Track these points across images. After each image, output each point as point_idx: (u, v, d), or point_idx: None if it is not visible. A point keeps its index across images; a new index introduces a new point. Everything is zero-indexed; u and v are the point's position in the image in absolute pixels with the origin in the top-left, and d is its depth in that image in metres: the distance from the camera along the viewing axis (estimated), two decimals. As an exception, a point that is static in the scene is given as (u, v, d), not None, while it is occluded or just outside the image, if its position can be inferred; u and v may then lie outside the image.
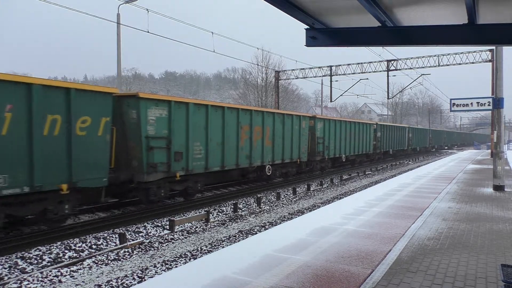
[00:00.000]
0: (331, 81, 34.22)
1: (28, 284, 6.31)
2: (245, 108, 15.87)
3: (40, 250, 7.90)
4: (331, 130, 22.91)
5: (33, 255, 7.62)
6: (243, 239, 8.47)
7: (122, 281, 6.34)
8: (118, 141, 10.68)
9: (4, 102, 7.83)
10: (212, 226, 10.34)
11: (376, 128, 31.22)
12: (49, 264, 7.32)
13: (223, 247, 8.21)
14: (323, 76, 35.17)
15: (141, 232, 9.66)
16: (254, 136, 15.67)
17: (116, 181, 10.57)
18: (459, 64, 30.19)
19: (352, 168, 27.27)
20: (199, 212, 11.69)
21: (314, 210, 11.32)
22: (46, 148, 8.54)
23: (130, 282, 6.29)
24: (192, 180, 13.01)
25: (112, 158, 10.41)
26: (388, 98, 37.86)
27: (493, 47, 21.99)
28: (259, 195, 14.54)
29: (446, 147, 67.64)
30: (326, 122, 22.51)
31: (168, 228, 9.93)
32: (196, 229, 10.04)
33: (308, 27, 4.92)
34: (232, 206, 12.47)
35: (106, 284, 6.25)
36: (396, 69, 31.80)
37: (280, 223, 10.30)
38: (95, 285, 6.23)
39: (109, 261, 7.48)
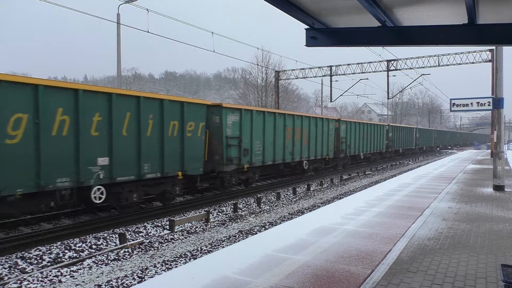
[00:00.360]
0: (331, 81, 34.24)
1: (28, 284, 6.31)
2: (289, 113, 19.28)
3: (40, 250, 7.90)
4: (352, 131, 26.00)
5: (33, 255, 7.62)
6: (243, 239, 8.47)
7: (122, 281, 6.34)
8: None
9: (149, 113, 11.07)
10: (212, 226, 10.34)
11: (388, 129, 34.44)
12: (49, 264, 7.32)
13: (223, 247, 8.21)
14: (323, 76, 35.19)
15: (141, 232, 9.66)
16: (295, 136, 18.89)
17: (207, 170, 13.89)
18: (459, 64, 30.19)
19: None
20: (199, 212, 11.70)
21: (314, 210, 11.32)
22: (170, 145, 11.83)
23: (130, 282, 6.29)
24: (253, 172, 16.56)
25: (206, 153, 13.50)
26: (388, 98, 37.87)
27: (493, 47, 22.00)
28: (259, 195, 14.54)
29: (449, 147, 69.81)
30: (348, 124, 25.64)
31: (168, 228, 9.93)
32: (196, 229, 10.04)
33: (308, 27, 4.92)
34: (232, 206, 12.47)
35: (106, 284, 6.25)
36: (396, 69, 31.82)
37: (280, 223, 10.30)
38: (95, 285, 6.23)
39: (109, 261, 7.48)
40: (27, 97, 8.37)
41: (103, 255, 7.76)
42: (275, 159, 17.30)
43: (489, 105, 14.44)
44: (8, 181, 8.03)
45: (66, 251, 7.99)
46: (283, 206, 13.32)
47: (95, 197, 9.80)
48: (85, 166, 9.43)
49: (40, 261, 7.41)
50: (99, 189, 9.87)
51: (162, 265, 7.12)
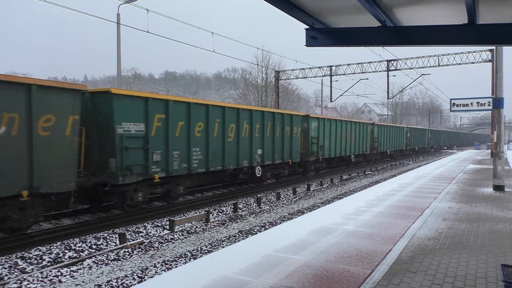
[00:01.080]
0: (331, 81, 34.23)
1: (28, 284, 6.31)
2: (346, 120, 26.38)
3: (40, 250, 7.90)
4: (382, 132, 32.95)
5: (33, 255, 7.62)
6: (243, 239, 8.47)
7: (122, 281, 6.34)
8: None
9: (268, 121, 16.65)
10: (212, 226, 10.34)
11: (406, 130, 40.08)
12: (49, 264, 7.32)
13: (223, 247, 8.21)
14: (323, 76, 35.18)
15: (141, 232, 9.66)
16: (347, 137, 25.39)
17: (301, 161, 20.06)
18: (459, 64, 30.18)
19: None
20: (199, 212, 11.69)
21: (314, 210, 11.32)
22: (286, 143, 18.02)
23: (130, 282, 6.29)
24: (321, 163, 22.61)
25: (301, 148, 19.75)
26: (388, 98, 37.88)
27: (493, 47, 22.00)
28: (259, 195, 14.54)
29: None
30: (380, 126, 32.68)
31: (168, 228, 9.93)
32: (196, 229, 10.03)
33: (308, 27, 4.92)
34: (232, 206, 12.47)
35: (106, 284, 6.25)
36: (396, 69, 31.81)
37: (280, 223, 10.30)
38: (95, 285, 6.23)
39: (109, 261, 7.48)
40: (202, 111, 13.12)
41: (103, 255, 7.76)
42: (336, 154, 23.96)
43: (489, 105, 14.42)
44: (228, 163, 14.26)
45: (66, 251, 7.99)
46: (283, 206, 13.32)
47: (258, 173, 16.35)
48: (252, 154, 15.67)
49: (40, 261, 7.41)
50: (258, 168, 16.20)
51: (162, 265, 7.12)
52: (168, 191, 12.28)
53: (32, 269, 7.03)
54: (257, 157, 15.93)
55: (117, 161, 10.09)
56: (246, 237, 8.75)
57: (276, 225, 10.01)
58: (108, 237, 9.02)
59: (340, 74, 33.88)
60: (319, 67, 34.78)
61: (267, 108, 21.98)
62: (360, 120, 30.46)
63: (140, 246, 8.44)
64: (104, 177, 10.17)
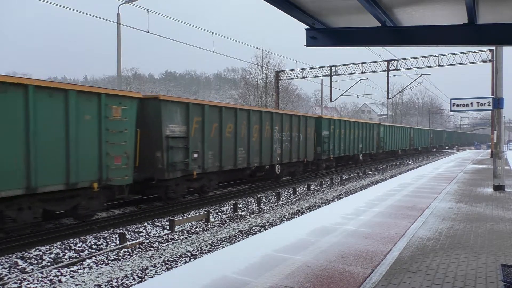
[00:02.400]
0: (331, 81, 34.23)
1: (28, 284, 6.31)
2: (357, 120, 29.62)
3: (40, 250, 7.90)
4: (387, 133, 36.40)
5: (33, 255, 7.62)
6: (243, 239, 8.47)
7: (122, 281, 6.34)
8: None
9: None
10: (212, 226, 10.34)
11: (410, 131, 43.70)
12: (49, 264, 7.31)
13: (223, 247, 8.21)
14: (323, 76, 35.18)
15: (141, 232, 9.66)
16: (355, 136, 27.38)
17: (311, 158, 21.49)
18: (459, 64, 30.18)
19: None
20: (199, 212, 11.69)
21: (314, 210, 11.33)
22: (302, 144, 19.83)
23: (130, 282, 6.29)
24: (332, 161, 24.66)
25: (314, 147, 21.53)
26: (388, 98, 37.87)
27: (493, 47, 21.99)
28: (259, 195, 14.54)
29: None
30: (386, 127, 35.70)
31: (168, 228, 9.93)
32: (196, 229, 10.03)
33: (308, 27, 4.92)
34: (232, 206, 12.47)
35: (106, 284, 6.25)
36: (396, 69, 31.81)
37: (280, 223, 10.30)
38: (95, 285, 6.23)
39: (109, 261, 7.48)
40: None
41: (103, 255, 7.76)
42: (345, 152, 25.50)
43: (489, 105, 14.41)
44: (252, 162, 15.85)
45: (66, 251, 7.99)
46: (283, 206, 13.32)
47: (278, 170, 17.86)
48: (272, 153, 17.24)
49: (40, 261, 7.41)
50: (278, 166, 17.77)
51: (162, 265, 7.12)
52: (203, 186, 13.91)
53: (32, 269, 7.03)
54: (276, 156, 17.58)
55: (163, 159, 11.65)
56: (246, 237, 8.75)
57: (276, 225, 10.01)
58: (108, 237, 9.02)
59: (340, 74, 33.88)
60: (319, 67, 34.77)
61: (286, 110, 25.74)
62: (368, 121, 33.42)
63: (140, 246, 8.44)
64: (152, 173, 11.76)
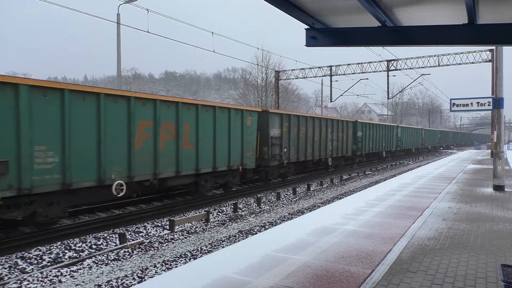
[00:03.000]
0: (331, 81, 34.23)
1: (28, 284, 6.31)
2: (382, 123, 33.74)
3: (40, 250, 7.90)
4: (404, 133, 40.63)
5: (33, 255, 7.62)
6: (243, 239, 8.47)
7: (122, 281, 6.34)
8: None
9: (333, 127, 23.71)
10: (212, 226, 10.34)
11: (422, 131, 49.50)
12: (49, 264, 7.31)
13: (223, 247, 8.21)
14: (323, 76, 35.18)
15: (141, 232, 9.66)
16: (380, 136, 31.90)
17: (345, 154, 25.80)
18: (459, 64, 30.18)
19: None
20: (199, 212, 11.69)
21: (314, 210, 11.32)
22: (339, 142, 23.94)
23: (130, 282, 6.28)
24: (363, 157, 29.59)
25: (352, 145, 26.72)
26: (388, 98, 37.88)
27: (493, 47, 21.99)
28: (259, 195, 14.55)
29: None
30: (403, 129, 40.42)
31: (168, 228, 9.93)
32: (196, 229, 10.03)
33: (308, 27, 4.91)
34: (232, 206, 12.47)
35: (106, 284, 6.25)
36: (396, 69, 31.81)
37: (280, 223, 10.30)
38: (95, 285, 6.23)
39: (109, 261, 7.48)
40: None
41: (103, 255, 7.76)
42: (372, 150, 30.27)
43: (489, 105, 14.42)
44: (315, 156, 20.90)
45: (66, 251, 7.99)
46: (283, 206, 13.31)
47: (330, 162, 23.30)
48: (326, 150, 22.45)
49: (40, 261, 7.41)
50: (330, 159, 23.20)
51: (162, 265, 7.12)
52: (285, 172, 18.98)
53: (32, 269, 7.03)
54: (329, 152, 22.79)
55: (269, 152, 16.77)
56: (246, 237, 8.75)
57: (276, 225, 10.01)
58: (108, 237, 9.02)
59: (340, 74, 33.88)
60: (319, 67, 34.78)
61: (334, 116, 32.18)
62: (389, 124, 38.65)
63: (140, 246, 8.44)
64: (260, 161, 16.64)
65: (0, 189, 7.60)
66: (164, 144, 11.38)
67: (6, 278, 6.57)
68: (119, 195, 9.99)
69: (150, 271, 6.82)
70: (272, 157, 16.80)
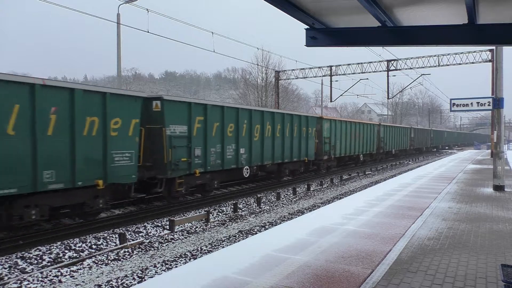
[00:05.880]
0: (331, 81, 34.21)
1: (28, 284, 6.31)
2: (397, 126, 38.05)
3: (40, 250, 7.90)
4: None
5: (33, 255, 7.62)
6: (243, 239, 8.47)
7: (122, 281, 6.34)
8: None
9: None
10: (212, 226, 10.34)
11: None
12: (49, 264, 7.32)
13: (223, 247, 8.21)
14: (323, 76, 35.13)
15: (141, 232, 9.66)
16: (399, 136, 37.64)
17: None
18: (459, 64, 30.14)
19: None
20: (199, 212, 11.69)
21: (314, 210, 11.32)
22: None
23: (130, 282, 6.29)
24: (384, 154, 34.97)
25: (377, 143, 32.30)
26: (388, 98, 37.87)
27: (493, 47, 21.99)
28: (259, 195, 14.54)
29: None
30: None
31: (168, 228, 9.93)
32: (196, 229, 10.03)
33: (308, 27, 4.91)
34: (232, 206, 12.47)
35: (106, 284, 6.25)
36: (396, 69, 31.78)
37: (280, 223, 10.30)
38: (95, 285, 6.23)
39: (109, 261, 7.48)
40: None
41: (103, 255, 7.76)
42: (395, 147, 36.66)
43: (489, 105, 14.41)
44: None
45: (66, 251, 8.00)
46: (283, 206, 13.31)
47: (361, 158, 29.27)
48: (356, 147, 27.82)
49: (40, 261, 7.41)
50: (361, 156, 29.29)
51: (162, 265, 7.12)
52: (330, 165, 24.44)
53: (32, 269, 7.03)
54: (359, 148, 27.91)
55: (322, 149, 22.78)
56: (246, 237, 8.75)
57: (276, 225, 10.01)
58: (108, 237, 9.02)
59: (340, 74, 33.85)
60: (319, 67, 34.76)
61: (360, 120, 37.26)
62: (404, 126, 42.90)
63: (140, 246, 8.44)
64: (314, 156, 21.75)
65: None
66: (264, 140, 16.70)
67: (6, 278, 6.57)
68: (246, 176, 15.64)
69: (150, 271, 6.82)
70: (324, 152, 22.12)
